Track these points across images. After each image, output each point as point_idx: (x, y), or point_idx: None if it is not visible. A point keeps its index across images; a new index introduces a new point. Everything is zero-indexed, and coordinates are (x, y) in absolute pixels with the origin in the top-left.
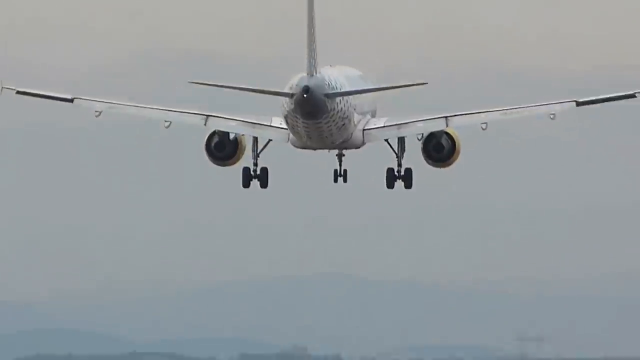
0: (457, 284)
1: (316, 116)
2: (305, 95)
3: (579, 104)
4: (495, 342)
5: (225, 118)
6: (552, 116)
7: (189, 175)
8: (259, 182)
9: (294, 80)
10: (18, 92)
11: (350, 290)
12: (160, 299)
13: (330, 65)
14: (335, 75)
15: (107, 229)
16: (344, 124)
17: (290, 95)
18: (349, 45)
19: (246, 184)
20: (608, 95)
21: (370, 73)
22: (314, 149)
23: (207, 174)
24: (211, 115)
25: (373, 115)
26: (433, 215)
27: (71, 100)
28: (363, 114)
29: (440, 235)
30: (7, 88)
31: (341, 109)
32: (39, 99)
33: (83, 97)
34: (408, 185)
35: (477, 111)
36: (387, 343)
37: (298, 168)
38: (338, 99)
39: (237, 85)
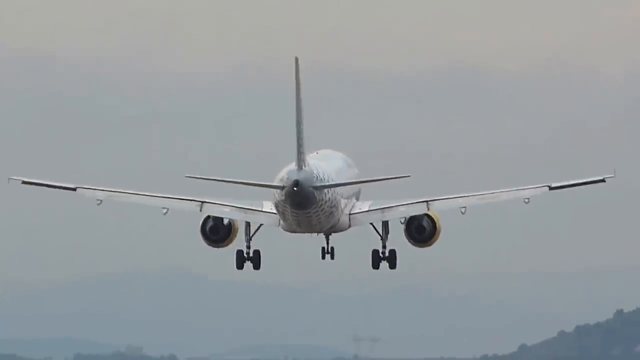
0: (297, 285)
1: (305, 207)
2: (295, 189)
3: (551, 188)
4: (332, 343)
5: (219, 204)
6: (526, 200)
7: None
8: (252, 264)
9: (284, 173)
10: (24, 182)
11: (187, 291)
12: None
13: (317, 153)
14: (323, 167)
15: None
16: (331, 212)
17: (281, 188)
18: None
19: (240, 266)
20: (580, 181)
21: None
22: (303, 233)
23: None
24: (206, 202)
25: (357, 198)
26: None
27: (74, 189)
28: (349, 197)
29: None
30: (14, 179)
31: (329, 198)
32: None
33: (85, 187)
34: (392, 265)
35: (455, 196)
36: (223, 344)
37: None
38: (326, 189)
39: (230, 179)
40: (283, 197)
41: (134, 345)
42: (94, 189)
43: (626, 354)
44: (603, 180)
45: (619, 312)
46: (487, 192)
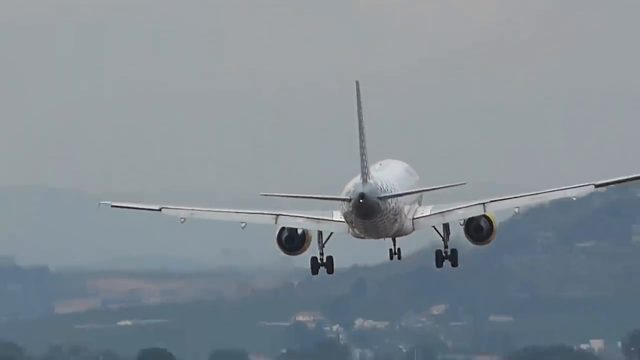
0: None
1: (371, 216)
2: (361, 201)
3: (597, 186)
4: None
5: (292, 216)
6: (574, 198)
7: None
8: (325, 269)
9: (350, 187)
10: (113, 206)
11: (58, 203)
12: None
13: (380, 164)
14: (386, 178)
15: None
16: (395, 219)
17: (348, 200)
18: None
19: (315, 272)
20: (624, 177)
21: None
22: (371, 239)
23: None
24: (280, 214)
25: (420, 203)
26: None
27: (159, 210)
28: (412, 203)
29: None
30: (104, 203)
31: (392, 207)
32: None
33: (169, 207)
34: (454, 263)
35: (509, 197)
36: (94, 254)
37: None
38: (389, 199)
39: (301, 195)
40: (350, 209)
41: (5, 256)
42: (177, 208)
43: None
44: None
45: None
46: (537, 192)
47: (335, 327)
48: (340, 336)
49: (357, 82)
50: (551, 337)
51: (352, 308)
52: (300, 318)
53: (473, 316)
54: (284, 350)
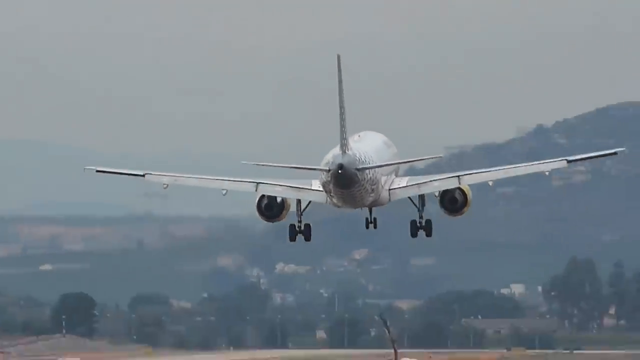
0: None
1: (349, 187)
2: (340, 171)
3: (569, 161)
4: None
5: (272, 184)
6: (546, 173)
7: None
8: (303, 237)
9: (329, 157)
10: (98, 171)
11: None
12: None
13: (359, 136)
14: (364, 149)
15: None
16: (373, 190)
17: (327, 170)
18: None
19: (293, 238)
20: (594, 154)
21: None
22: (348, 208)
23: None
24: (260, 182)
25: (396, 174)
26: None
27: (143, 176)
28: (388, 174)
29: None
30: (89, 168)
31: (370, 178)
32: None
33: (153, 172)
34: (429, 234)
35: (483, 170)
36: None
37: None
38: (367, 170)
39: (282, 164)
40: (329, 179)
41: None
42: (160, 174)
43: None
44: (615, 153)
45: None
46: (511, 166)
47: (256, 272)
48: (262, 281)
49: (338, 56)
50: (472, 282)
51: (273, 253)
52: (221, 263)
53: (394, 260)
54: (205, 295)
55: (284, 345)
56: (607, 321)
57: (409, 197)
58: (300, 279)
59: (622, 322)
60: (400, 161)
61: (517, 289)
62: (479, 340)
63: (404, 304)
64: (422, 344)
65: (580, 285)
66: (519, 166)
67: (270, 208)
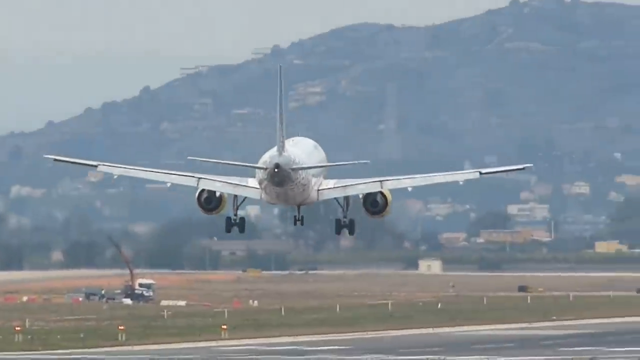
0: None
1: (284, 185)
2: (276, 170)
3: (482, 173)
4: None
5: (212, 180)
6: (461, 182)
7: None
8: (238, 228)
9: (267, 157)
10: (55, 160)
11: None
12: None
13: (293, 140)
14: (298, 152)
15: None
16: (304, 189)
17: (264, 169)
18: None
19: (228, 230)
20: (506, 168)
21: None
22: (280, 204)
23: None
24: (202, 178)
25: (325, 177)
26: None
27: (95, 166)
28: (317, 176)
29: None
30: (48, 157)
31: (303, 178)
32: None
33: (105, 164)
34: (351, 232)
35: (403, 177)
36: None
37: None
38: (300, 171)
39: (223, 161)
40: (265, 176)
41: None
42: (112, 165)
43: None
44: (523, 169)
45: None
46: (429, 175)
47: None
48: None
49: (280, 67)
50: None
51: (8, 175)
52: None
53: (130, 183)
54: None
55: (19, 268)
56: (344, 242)
57: (335, 198)
58: (35, 201)
59: (359, 242)
60: (329, 164)
61: (253, 211)
62: (214, 262)
63: (140, 227)
64: (157, 265)
65: (316, 206)
66: (436, 175)
67: (210, 201)
